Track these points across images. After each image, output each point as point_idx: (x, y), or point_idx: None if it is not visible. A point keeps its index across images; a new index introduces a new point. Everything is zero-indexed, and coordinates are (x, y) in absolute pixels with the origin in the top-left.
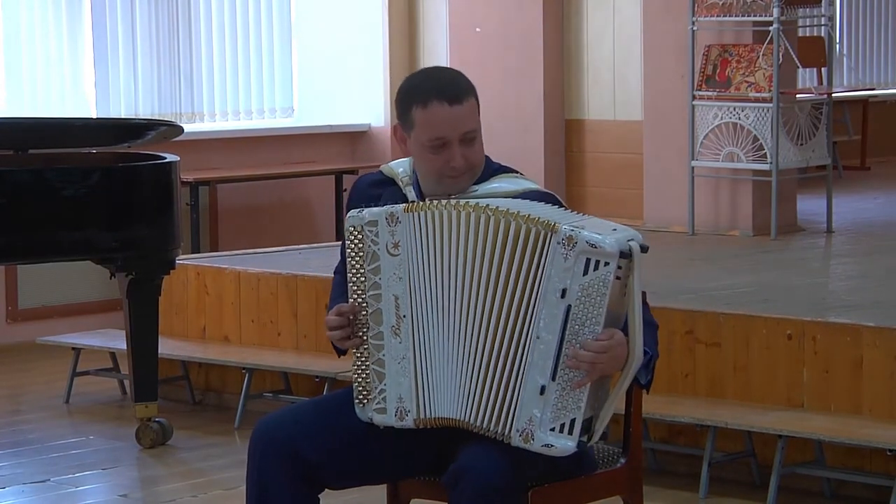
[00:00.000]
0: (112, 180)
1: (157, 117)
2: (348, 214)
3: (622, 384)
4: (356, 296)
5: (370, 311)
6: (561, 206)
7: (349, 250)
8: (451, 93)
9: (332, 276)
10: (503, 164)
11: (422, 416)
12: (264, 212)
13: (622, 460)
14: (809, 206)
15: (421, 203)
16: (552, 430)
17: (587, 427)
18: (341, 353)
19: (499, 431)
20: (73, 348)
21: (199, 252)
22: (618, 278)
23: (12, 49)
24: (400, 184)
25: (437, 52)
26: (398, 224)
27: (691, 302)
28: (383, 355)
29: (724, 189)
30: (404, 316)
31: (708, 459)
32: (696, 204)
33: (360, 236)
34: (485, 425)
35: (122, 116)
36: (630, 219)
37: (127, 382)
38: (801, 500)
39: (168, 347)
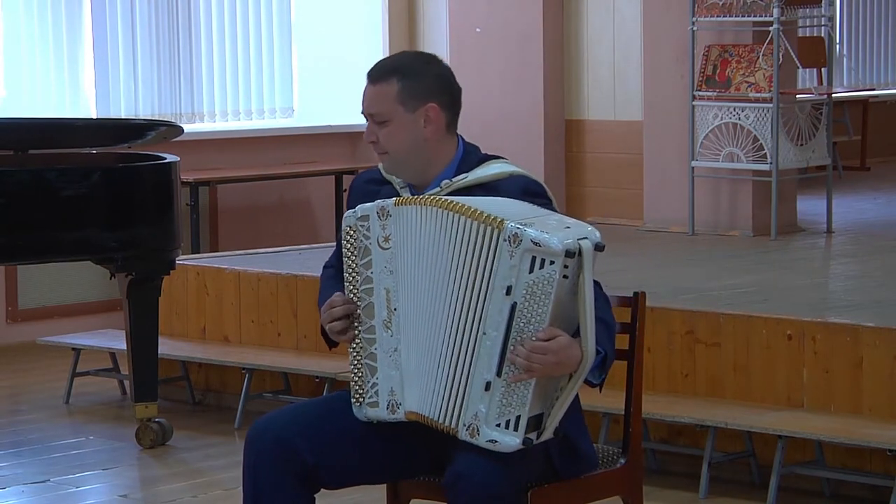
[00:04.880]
0: (112, 181)
1: (157, 117)
2: (344, 215)
3: (575, 383)
4: (351, 294)
5: (363, 305)
6: (545, 197)
7: (345, 250)
8: (374, 71)
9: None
10: (489, 154)
11: (408, 408)
12: (264, 212)
13: (622, 460)
14: (809, 206)
15: (411, 197)
16: (497, 426)
17: (536, 423)
18: (333, 344)
19: (451, 426)
20: (74, 348)
21: (199, 252)
22: (565, 277)
23: (12, 49)
24: (396, 187)
25: (437, 52)
26: (389, 218)
27: (691, 302)
28: (375, 349)
29: (724, 189)
30: (395, 309)
31: (708, 459)
32: (696, 204)
33: (354, 234)
34: (438, 419)
35: (122, 117)
36: (630, 219)
37: (127, 383)
38: (801, 500)
39: (168, 347)
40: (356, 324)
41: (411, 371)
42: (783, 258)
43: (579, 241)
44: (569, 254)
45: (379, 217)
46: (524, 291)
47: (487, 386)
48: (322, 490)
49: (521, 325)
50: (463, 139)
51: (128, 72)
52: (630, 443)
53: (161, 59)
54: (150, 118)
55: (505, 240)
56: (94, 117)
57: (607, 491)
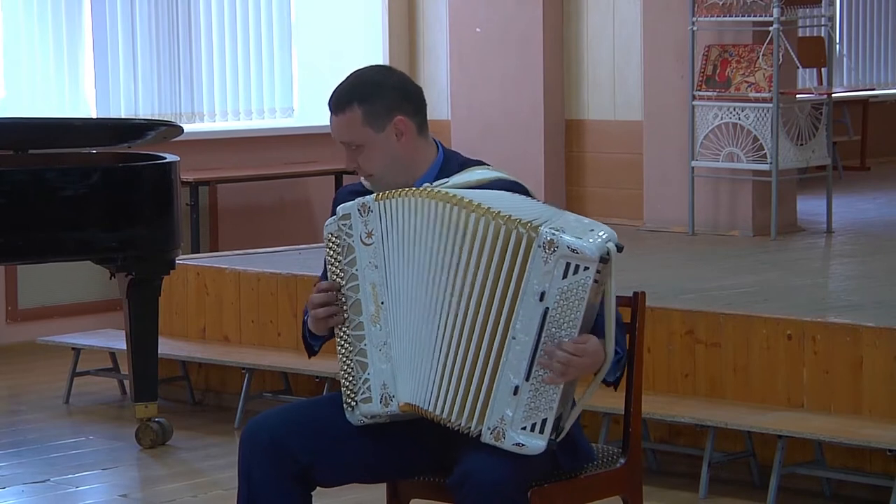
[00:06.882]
0: (112, 180)
1: (157, 117)
2: (325, 224)
3: (595, 384)
4: (338, 296)
5: (349, 303)
6: (529, 196)
7: (330, 256)
8: (333, 102)
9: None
10: (471, 159)
11: (401, 399)
12: (264, 212)
13: (622, 460)
14: (809, 206)
15: (392, 191)
16: (523, 429)
17: (556, 425)
18: (313, 351)
19: (471, 428)
20: (73, 348)
21: (199, 252)
22: (596, 282)
23: (12, 49)
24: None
25: (437, 52)
26: (370, 213)
27: (691, 302)
28: (365, 345)
29: (723, 189)
30: (382, 303)
31: (708, 459)
32: (696, 204)
33: (337, 235)
34: (454, 419)
35: (122, 116)
36: (630, 219)
37: (127, 382)
38: (801, 501)
39: (168, 347)
40: (343, 327)
41: (404, 363)
42: (783, 258)
43: (607, 245)
44: (602, 259)
45: (360, 213)
46: (557, 297)
47: (516, 390)
48: (319, 488)
49: (553, 330)
50: (442, 145)
51: (128, 72)
52: (630, 443)
53: (161, 59)
54: (149, 118)
55: (539, 245)
56: (94, 117)
57: (607, 491)
